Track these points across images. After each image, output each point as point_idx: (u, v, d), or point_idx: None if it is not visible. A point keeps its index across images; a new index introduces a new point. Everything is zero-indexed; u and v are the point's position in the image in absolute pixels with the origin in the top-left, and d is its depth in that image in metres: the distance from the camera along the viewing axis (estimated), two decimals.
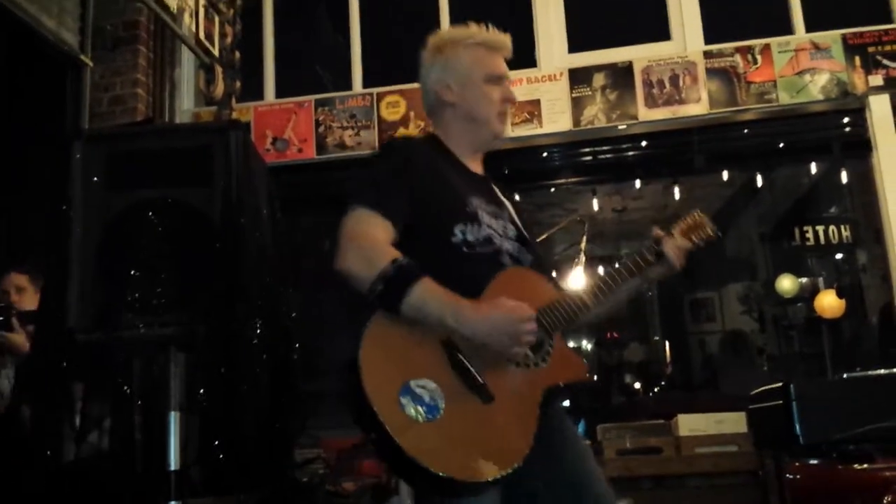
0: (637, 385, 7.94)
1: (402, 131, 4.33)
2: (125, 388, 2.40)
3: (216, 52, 4.03)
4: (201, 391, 2.32)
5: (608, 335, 8.48)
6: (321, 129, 4.41)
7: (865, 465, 3.46)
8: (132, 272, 2.32)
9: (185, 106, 4.57)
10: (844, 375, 1.55)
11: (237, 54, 4.09)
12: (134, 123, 3.97)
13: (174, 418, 2.17)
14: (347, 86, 4.54)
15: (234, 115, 3.95)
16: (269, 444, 2.38)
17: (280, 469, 2.50)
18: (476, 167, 1.94)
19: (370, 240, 1.67)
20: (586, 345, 8.55)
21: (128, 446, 2.35)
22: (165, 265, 2.30)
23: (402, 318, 1.61)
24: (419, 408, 1.55)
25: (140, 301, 2.28)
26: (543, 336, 1.70)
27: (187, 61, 4.57)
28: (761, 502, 3.63)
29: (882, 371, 1.63)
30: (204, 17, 3.98)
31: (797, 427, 1.39)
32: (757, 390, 1.61)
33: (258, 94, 4.58)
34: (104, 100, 4.23)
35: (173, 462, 2.14)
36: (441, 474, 1.51)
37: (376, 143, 4.33)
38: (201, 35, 3.94)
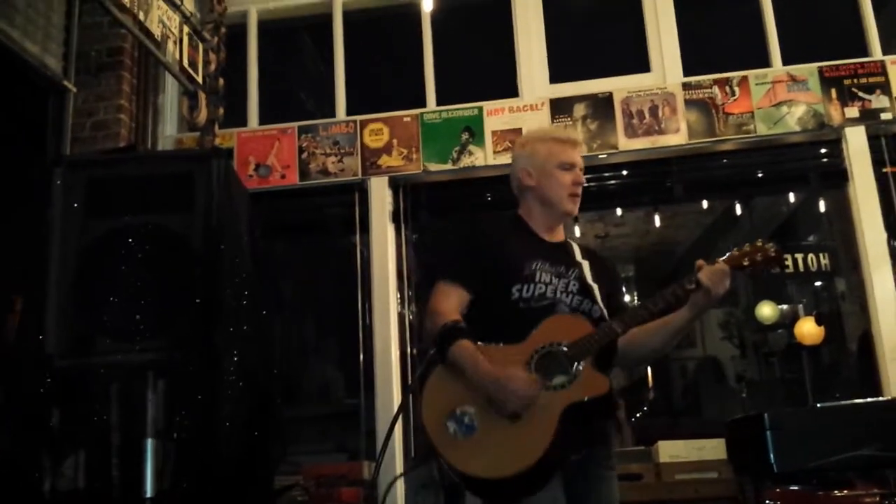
0: (621, 413, 7.92)
1: (384, 159, 4.36)
2: (102, 414, 2.39)
3: (200, 79, 4.05)
4: (179, 418, 2.32)
5: None
6: (304, 155, 4.43)
7: (845, 492, 3.49)
8: (111, 298, 2.32)
9: (168, 132, 4.59)
10: (818, 405, 1.57)
11: (221, 81, 4.11)
12: (116, 149, 3.97)
13: (150, 445, 2.16)
14: (331, 113, 4.57)
15: (217, 141, 3.96)
16: (248, 471, 2.37)
17: (259, 497, 2.48)
18: (553, 236, 2.37)
19: (437, 308, 2.23)
20: None
21: (104, 474, 2.33)
22: (145, 291, 2.31)
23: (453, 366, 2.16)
24: (459, 428, 2.11)
25: (118, 327, 2.28)
26: (573, 365, 2.12)
27: (171, 87, 4.59)
28: None
29: (854, 401, 1.66)
30: (188, 45, 4.00)
31: (771, 456, 1.40)
32: (733, 419, 1.63)
33: (242, 121, 4.60)
34: (87, 125, 4.24)
35: (149, 490, 2.12)
36: (469, 473, 2.08)
37: (359, 170, 4.36)
38: (185, 62, 3.96)
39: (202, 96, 4.02)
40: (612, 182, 4.48)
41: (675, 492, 3.79)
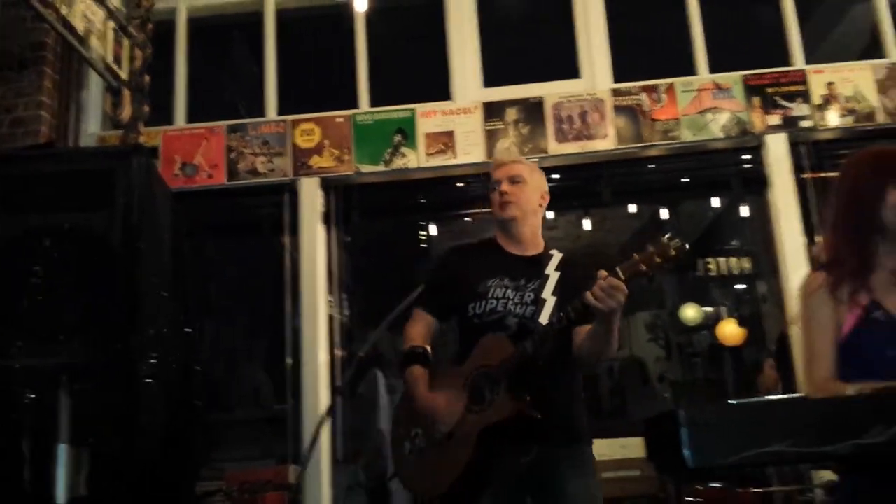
0: None
1: (315, 159, 4.32)
2: (14, 418, 2.30)
3: (124, 76, 3.94)
4: (95, 423, 2.25)
5: None
6: (233, 154, 4.35)
7: (762, 489, 3.61)
8: (25, 299, 2.24)
9: (91, 129, 4.45)
10: (731, 402, 1.62)
11: (147, 78, 4.01)
12: (34, 146, 3.84)
13: (63, 451, 2.09)
14: (261, 112, 4.51)
15: (142, 139, 3.85)
16: (167, 477, 2.31)
17: (179, 502, 2.43)
18: (522, 250, 2.48)
19: (405, 333, 2.51)
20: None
21: (15, 480, 2.24)
22: (61, 292, 2.23)
23: None
24: (413, 448, 2.38)
25: (33, 329, 2.20)
26: (493, 387, 2.26)
27: (95, 84, 4.46)
28: None
29: (767, 398, 1.72)
30: (113, 40, 3.90)
31: (685, 452, 1.43)
32: (649, 416, 1.66)
33: (169, 119, 4.50)
34: (5, 121, 4.09)
35: (61, 496, 2.06)
36: (416, 492, 2.43)
37: (290, 171, 4.30)
38: (109, 58, 3.86)
39: (126, 93, 3.91)
40: None
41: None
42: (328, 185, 4.36)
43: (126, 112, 3.83)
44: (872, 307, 1.94)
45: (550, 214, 5.60)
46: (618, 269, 2.09)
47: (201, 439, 2.61)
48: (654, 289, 8.19)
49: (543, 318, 2.31)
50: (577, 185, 4.57)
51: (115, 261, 2.25)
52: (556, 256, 2.46)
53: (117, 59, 3.92)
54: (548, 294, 2.36)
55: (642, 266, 2.08)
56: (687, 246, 2.10)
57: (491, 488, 2.26)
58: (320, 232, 4.30)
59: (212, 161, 4.34)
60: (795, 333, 3.97)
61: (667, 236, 2.08)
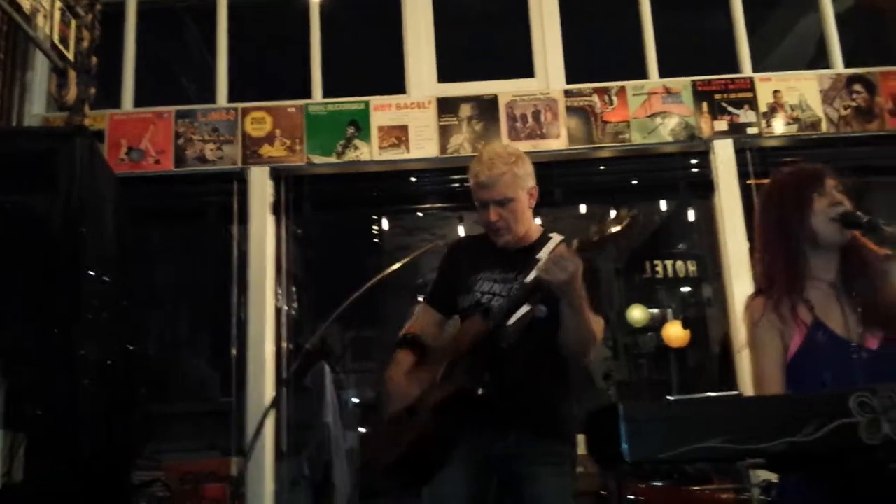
0: None
1: (266, 148, 4.27)
2: None
3: (71, 57, 3.84)
4: (32, 408, 2.19)
5: None
6: (181, 140, 4.28)
7: (703, 487, 3.68)
8: None
9: (36, 110, 4.32)
10: (669, 398, 1.65)
11: (94, 60, 3.91)
12: None
13: None
14: (211, 99, 4.44)
15: (88, 122, 3.76)
16: (104, 464, 2.27)
17: (116, 491, 2.38)
18: (519, 242, 2.46)
19: (409, 322, 2.60)
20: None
21: None
22: None
23: None
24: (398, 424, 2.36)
25: None
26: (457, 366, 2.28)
27: (40, 64, 4.34)
28: None
29: (703, 395, 1.76)
30: (60, 21, 3.79)
31: (624, 446, 1.45)
32: (591, 411, 1.68)
33: (116, 103, 4.40)
34: None
35: None
36: (364, 459, 2.51)
37: (239, 159, 4.25)
38: (56, 38, 3.76)
39: (72, 74, 3.81)
40: None
41: None
42: (279, 175, 4.31)
43: (71, 93, 3.73)
44: (816, 327, 1.99)
45: None
46: (575, 241, 2.10)
47: (140, 427, 2.56)
48: (602, 290, 8.30)
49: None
50: None
51: (57, 244, 2.20)
52: (555, 239, 2.37)
53: (64, 40, 3.82)
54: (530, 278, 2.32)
55: (594, 237, 2.07)
56: (635, 215, 2.08)
57: (456, 465, 2.28)
58: (270, 222, 4.25)
59: (159, 147, 4.26)
60: (739, 340, 4.06)
61: (618, 212, 2.09)
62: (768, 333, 2.02)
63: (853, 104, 4.33)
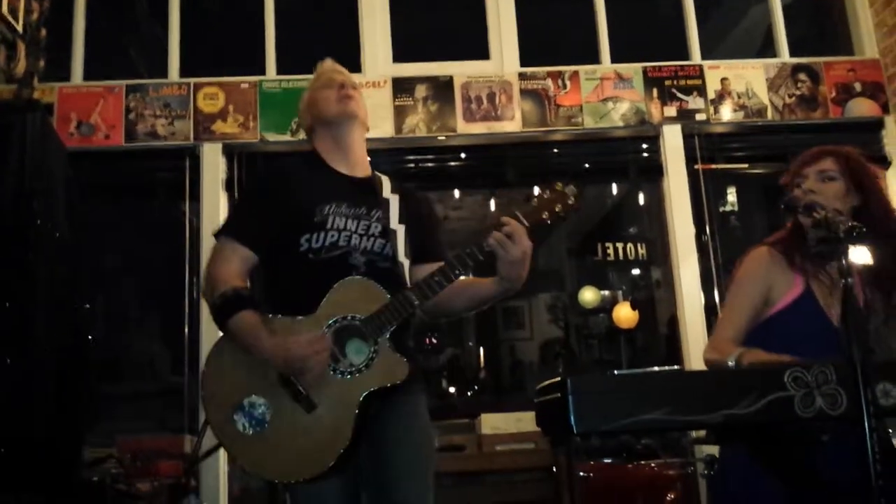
0: (452, 389, 8.17)
1: (219, 125, 4.23)
2: None
3: (20, 28, 3.75)
4: None
5: (427, 341, 8.67)
6: (132, 115, 4.22)
7: (652, 464, 3.79)
8: None
9: None
10: (615, 372, 1.71)
11: (43, 32, 3.83)
12: None
13: None
14: (163, 73, 4.37)
15: (36, 95, 3.69)
16: (54, 441, 2.25)
17: (67, 468, 2.37)
18: (354, 170, 2.18)
19: (214, 271, 2.01)
20: None
21: None
22: None
23: None
24: (248, 423, 1.89)
25: None
26: (371, 343, 1.94)
27: None
28: (554, 497, 3.87)
29: (647, 370, 1.83)
30: None
31: (572, 418, 1.51)
32: (542, 385, 1.74)
33: (66, 76, 4.31)
34: None
35: None
36: (265, 476, 1.96)
37: (191, 135, 4.21)
38: (5, 10, 3.66)
39: (21, 46, 3.73)
40: (451, 164, 4.57)
41: (496, 462, 3.98)
42: (231, 152, 4.27)
43: (20, 66, 3.65)
44: (806, 297, 2.11)
45: (457, 194, 5.71)
46: (518, 214, 1.94)
47: (91, 404, 2.54)
48: (555, 271, 8.42)
49: (400, 253, 2.08)
50: (483, 166, 4.63)
51: (6, 219, 2.17)
52: (386, 179, 2.22)
53: (13, 11, 3.73)
54: (395, 223, 2.11)
55: (543, 213, 1.96)
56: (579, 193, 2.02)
57: None
58: (222, 199, 4.22)
59: (110, 121, 4.19)
60: (686, 321, 4.18)
61: (560, 183, 2.01)
62: (756, 284, 2.13)
63: (798, 93, 4.46)
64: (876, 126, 4.49)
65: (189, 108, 4.25)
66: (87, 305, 2.61)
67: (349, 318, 1.95)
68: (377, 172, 2.26)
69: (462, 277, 1.99)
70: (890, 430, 2.90)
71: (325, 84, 2.23)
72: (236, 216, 2.20)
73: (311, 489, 1.94)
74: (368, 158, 2.29)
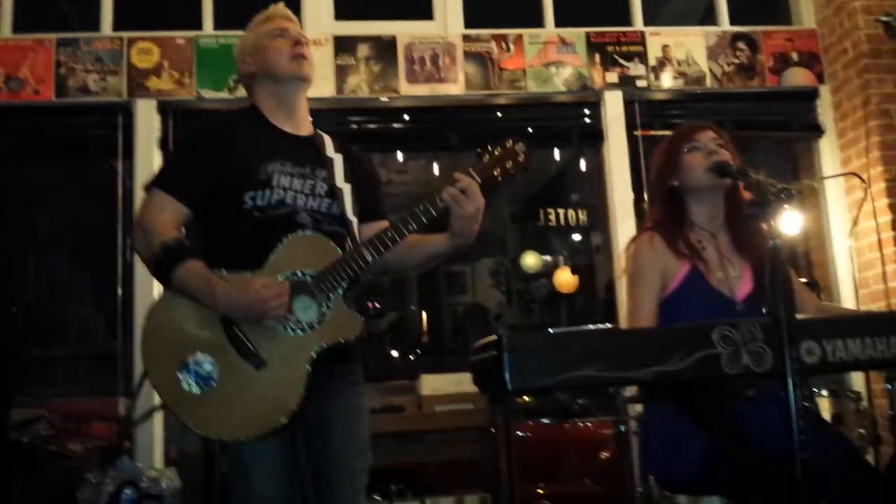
0: (395, 352, 8.20)
1: (153, 81, 4.11)
2: None
3: None
4: None
5: (371, 305, 8.67)
6: (62, 70, 4.06)
7: (588, 423, 3.88)
8: None
9: None
10: (549, 330, 1.74)
11: None
12: None
13: None
14: (96, 27, 4.21)
15: None
16: None
17: None
18: (298, 128, 2.11)
19: (150, 222, 1.92)
20: None
21: None
22: None
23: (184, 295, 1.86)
24: (194, 382, 1.82)
25: None
26: (321, 300, 1.89)
27: None
28: (492, 456, 3.93)
29: (580, 328, 1.86)
30: None
31: (506, 375, 1.52)
32: (478, 343, 1.75)
33: None
34: None
35: None
36: (211, 436, 1.84)
37: (124, 90, 4.07)
38: None
39: None
40: (395, 126, 4.52)
41: (435, 422, 4.02)
42: (166, 109, 4.16)
43: None
44: (694, 273, 2.16)
45: (400, 157, 5.68)
46: (471, 170, 1.94)
47: (17, 367, 2.47)
48: (498, 236, 8.47)
49: (348, 211, 2.05)
50: (426, 128, 4.60)
51: None
52: (328, 138, 2.17)
53: None
54: (341, 182, 2.07)
55: (495, 170, 1.97)
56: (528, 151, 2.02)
57: None
58: (157, 158, 4.10)
59: (39, 76, 4.03)
60: (621, 285, 4.24)
61: (511, 140, 2.01)
62: (651, 270, 2.17)
63: (736, 61, 4.53)
64: (811, 95, 4.60)
65: (122, 64, 4.11)
66: (15, 266, 2.51)
67: (300, 273, 1.91)
68: (319, 131, 2.19)
69: (413, 236, 1.97)
70: (815, 389, 3.03)
71: (277, 33, 2.10)
72: (169, 169, 2.10)
73: (251, 449, 1.89)
74: (310, 119, 2.22)
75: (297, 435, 1.98)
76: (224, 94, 4.15)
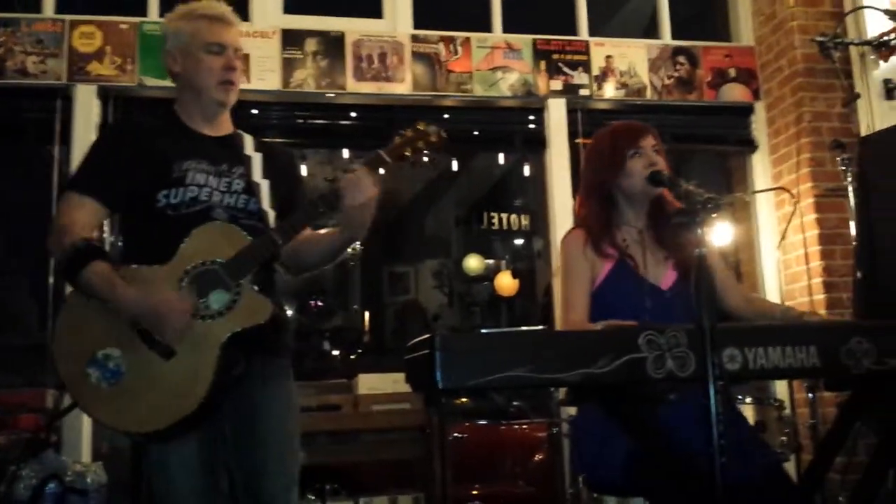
0: (335, 352, 8.16)
1: (95, 66, 4.02)
2: None
3: None
4: None
5: (313, 304, 8.62)
6: (1, 51, 3.95)
7: (523, 426, 3.93)
8: None
9: None
10: (482, 331, 1.77)
11: None
12: None
13: None
14: (37, 8, 4.11)
15: None
16: None
17: None
18: (216, 129, 2.13)
19: (63, 222, 1.94)
20: (290, 313, 8.59)
21: None
22: None
23: None
24: (103, 375, 1.84)
25: None
26: (231, 286, 1.91)
27: None
28: (427, 457, 3.95)
29: (512, 329, 1.89)
30: None
31: (438, 373, 1.55)
32: (411, 342, 1.77)
33: None
34: None
35: None
36: (122, 429, 1.88)
37: (64, 74, 3.98)
38: None
39: None
40: (341, 122, 4.50)
41: (371, 422, 4.02)
42: (107, 95, 4.07)
43: None
44: (621, 264, 2.25)
45: (346, 154, 5.66)
46: (381, 152, 2.01)
47: None
48: (442, 238, 8.51)
49: (265, 205, 2.07)
50: (372, 126, 4.58)
51: None
52: (249, 137, 2.19)
53: None
54: (258, 177, 2.10)
55: (406, 150, 2.03)
56: (444, 134, 2.07)
57: None
58: None
59: None
60: (557, 283, 4.32)
61: (423, 122, 2.06)
62: (582, 264, 2.26)
63: (676, 74, 4.64)
64: (746, 111, 4.74)
65: (63, 47, 4.02)
66: None
67: (209, 262, 1.93)
68: (239, 131, 2.21)
69: (320, 230, 2.06)
70: (740, 397, 3.12)
71: (215, 49, 2.07)
72: (84, 170, 2.08)
73: (166, 449, 1.92)
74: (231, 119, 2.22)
75: (224, 427, 1.98)
76: (167, 83, 4.04)
